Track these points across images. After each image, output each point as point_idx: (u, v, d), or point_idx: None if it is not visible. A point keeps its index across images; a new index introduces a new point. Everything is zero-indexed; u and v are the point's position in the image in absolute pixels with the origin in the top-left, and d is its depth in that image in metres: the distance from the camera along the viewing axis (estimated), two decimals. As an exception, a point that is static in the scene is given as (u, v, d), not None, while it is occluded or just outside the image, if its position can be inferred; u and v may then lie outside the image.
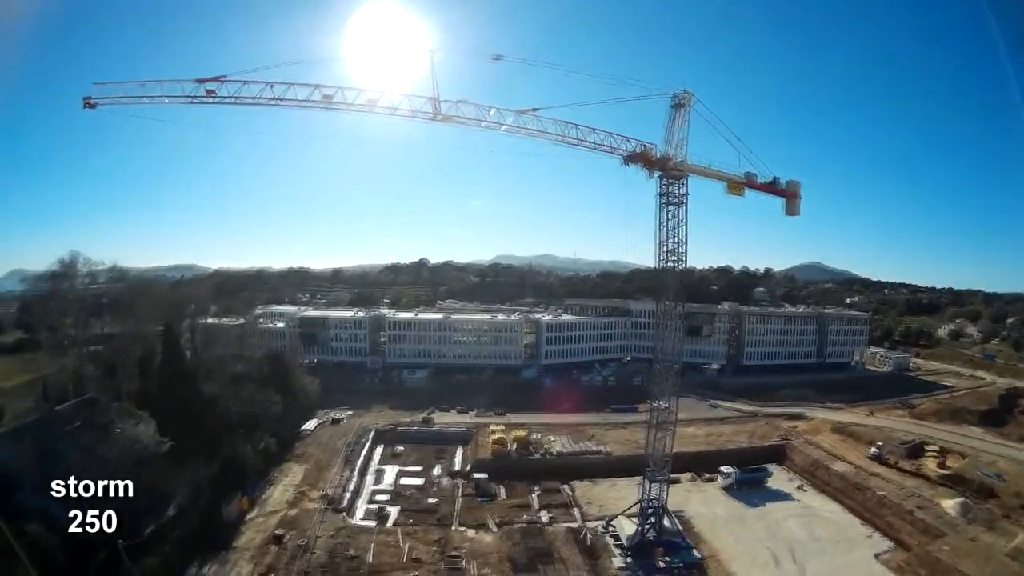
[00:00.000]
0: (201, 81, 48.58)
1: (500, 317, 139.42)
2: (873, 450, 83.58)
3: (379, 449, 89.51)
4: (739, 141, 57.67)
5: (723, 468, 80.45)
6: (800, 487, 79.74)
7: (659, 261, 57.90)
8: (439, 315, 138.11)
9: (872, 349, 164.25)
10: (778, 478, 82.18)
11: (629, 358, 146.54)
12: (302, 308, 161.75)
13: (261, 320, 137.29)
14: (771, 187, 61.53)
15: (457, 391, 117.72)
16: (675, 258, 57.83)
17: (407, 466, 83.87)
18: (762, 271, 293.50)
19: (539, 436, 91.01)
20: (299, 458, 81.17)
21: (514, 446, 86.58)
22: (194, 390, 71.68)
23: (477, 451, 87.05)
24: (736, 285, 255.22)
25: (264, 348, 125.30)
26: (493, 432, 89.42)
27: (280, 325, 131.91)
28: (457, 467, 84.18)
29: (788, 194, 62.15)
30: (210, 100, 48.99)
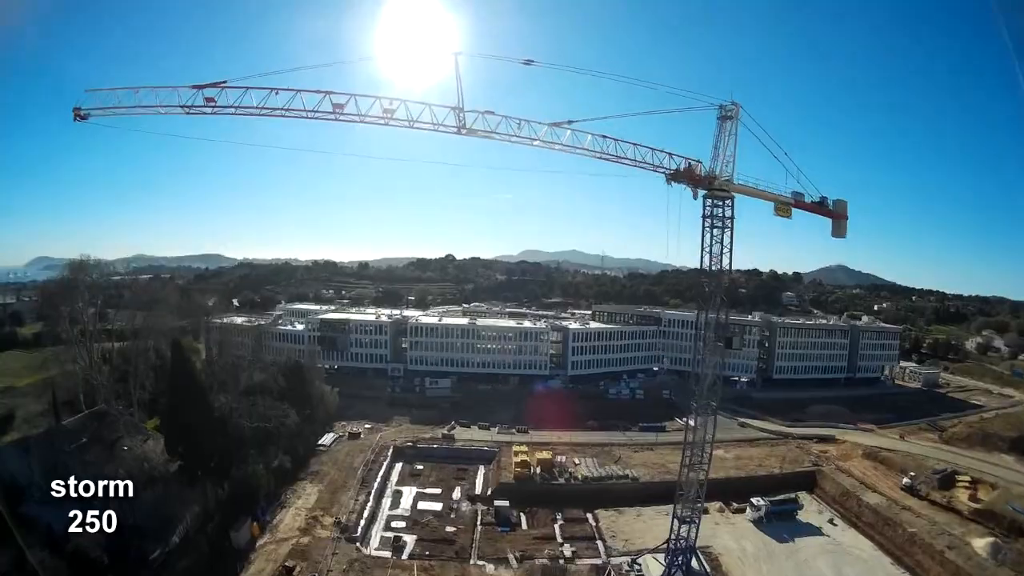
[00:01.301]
0: (199, 87, 44.20)
1: (526, 324, 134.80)
2: (906, 481, 79.95)
3: (398, 467, 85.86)
4: (786, 156, 52.65)
5: (754, 500, 76.37)
6: (831, 520, 75.94)
7: (706, 288, 52.96)
8: (463, 321, 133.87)
9: (902, 364, 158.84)
10: (808, 509, 78.44)
11: (657, 368, 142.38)
12: (324, 308, 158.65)
13: (280, 321, 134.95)
14: (820, 208, 56.90)
15: (480, 402, 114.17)
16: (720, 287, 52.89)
17: (426, 487, 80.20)
18: (791, 275, 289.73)
19: (563, 459, 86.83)
20: (314, 477, 77.82)
21: (538, 469, 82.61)
22: (205, 407, 68.47)
23: (500, 473, 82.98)
24: (766, 288, 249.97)
25: (282, 352, 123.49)
26: (517, 454, 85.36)
27: (299, 327, 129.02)
28: (478, 490, 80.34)
29: (836, 215, 57.46)
30: (209, 109, 44.69)
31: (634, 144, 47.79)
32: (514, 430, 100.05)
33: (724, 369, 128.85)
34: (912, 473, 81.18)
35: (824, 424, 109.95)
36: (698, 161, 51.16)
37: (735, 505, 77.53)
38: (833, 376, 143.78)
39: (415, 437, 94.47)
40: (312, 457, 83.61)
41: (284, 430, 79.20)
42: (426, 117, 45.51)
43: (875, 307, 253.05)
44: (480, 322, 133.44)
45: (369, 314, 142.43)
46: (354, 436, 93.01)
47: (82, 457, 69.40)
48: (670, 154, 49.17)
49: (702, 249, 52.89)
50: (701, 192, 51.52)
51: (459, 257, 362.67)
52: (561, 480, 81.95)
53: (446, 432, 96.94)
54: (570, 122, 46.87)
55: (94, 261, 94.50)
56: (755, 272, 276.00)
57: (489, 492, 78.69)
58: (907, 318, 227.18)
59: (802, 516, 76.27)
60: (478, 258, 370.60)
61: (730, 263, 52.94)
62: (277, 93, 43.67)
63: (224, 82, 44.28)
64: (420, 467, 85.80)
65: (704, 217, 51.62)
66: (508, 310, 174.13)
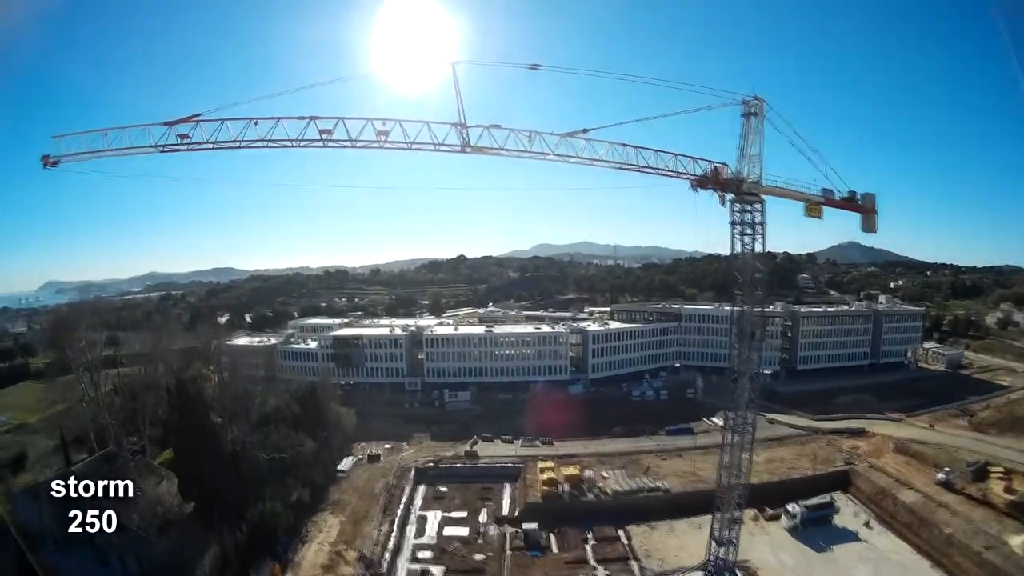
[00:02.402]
0: (171, 124, 40.73)
1: (544, 329, 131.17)
2: (941, 476, 77.34)
3: (420, 490, 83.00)
4: (815, 152, 48.88)
5: (789, 507, 73.74)
6: (867, 523, 73.69)
7: (738, 302, 49.41)
8: (480, 329, 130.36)
9: (925, 345, 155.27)
10: (844, 511, 76.29)
11: (679, 364, 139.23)
12: (336, 321, 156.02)
13: (293, 340, 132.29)
14: (850, 203, 53.33)
15: (501, 412, 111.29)
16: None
17: (451, 511, 77.40)
18: (804, 256, 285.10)
19: (591, 473, 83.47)
20: (334, 507, 74.92)
21: (566, 486, 79.56)
22: (216, 447, 65.95)
23: (526, 492, 79.93)
24: (781, 271, 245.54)
25: (295, 371, 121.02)
26: (543, 470, 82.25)
27: (312, 345, 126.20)
28: (505, 511, 77.48)
29: (866, 210, 53.95)
30: (184, 146, 41.27)
31: (655, 150, 44.08)
32: (538, 442, 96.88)
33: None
34: (947, 468, 78.53)
35: (852, 416, 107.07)
36: (723, 164, 47.53)
37: (769, 512, 74.96)
38: (857, 363, 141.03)
39: (437, 456, 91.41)
40: (331, 485, 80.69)
41: (301, 459, 76.45)
42: (425, 137, 41.86)
43: (891, 284, 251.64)
44: (497, 329, 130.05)
45: (383, 326, 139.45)
46: (374, 459, 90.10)
47: (94, 505, 67.34)
48: (694, 159, 45.59)
49: (732, 257, 49.35)
50: (728, 197, 47.85)
51: (470, 256, 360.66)
52: (590, 496, 78.98)
53: (468, 449, 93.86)
54: (585, 131, 43.21)
55: (104, 281, 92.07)
56: (769, 255, 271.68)
57: (517, 513, 75.81)
58: (924, 294, 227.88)
59: (838, 520, 74.43)
60: (490, 256, 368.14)
61: (765, 277, 49.29)
62: (256, 123, 40.14)
63: (198, 115, 40.73)
64: (444, 489, 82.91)
65: (733, 224, 48.08)
66: (524, 313, 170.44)
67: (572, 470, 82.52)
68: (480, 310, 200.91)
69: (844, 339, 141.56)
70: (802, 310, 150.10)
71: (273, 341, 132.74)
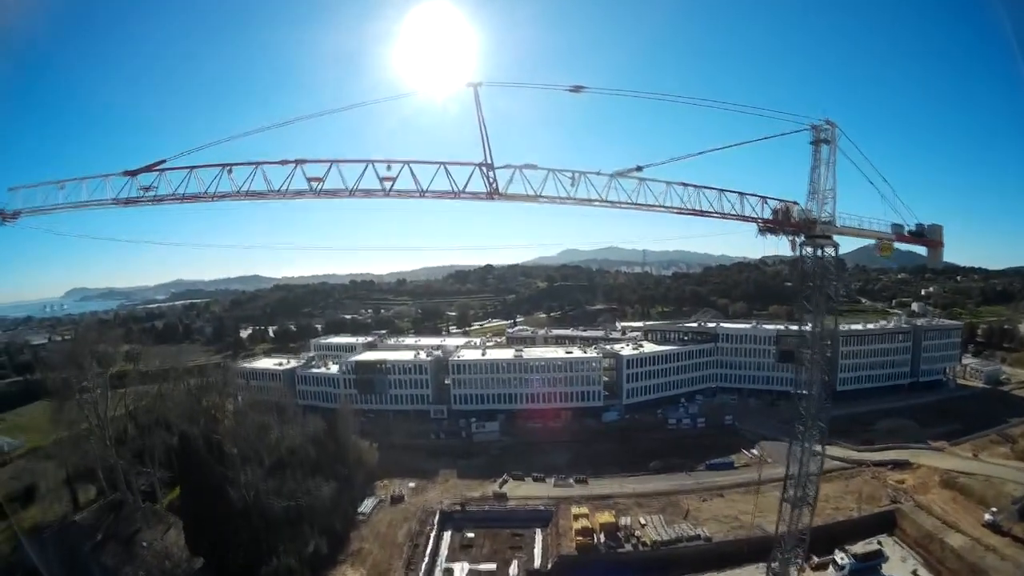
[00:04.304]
0: (132, 173, 35.20)
1: (576, 353, 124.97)
2: (988, 517, 73.18)
3: (446, 537, 77.24)
4: (884, 183, 42.95)
5: (837, 556, 68.85)
6: (914, 572, 68.31)
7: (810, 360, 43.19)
8: (509, 354, 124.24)
9: (963, 361, 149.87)
10: (892, 557, 70.88)
11: (714, 385, 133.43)
12: (359, 340, 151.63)
13: (314, 363, 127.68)
14: (919, 238, 48.23)
15: (532, 444, 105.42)
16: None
17: (479, 562, 71.49)
18: (833, 262, 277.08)
19: (628, 520, 77.13)
20: (354, 559, 69.79)
21: (602, 536, 73.42)
22: (225, 500, 61.26)
23: (559, 540, 73.95)
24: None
25: (314, 396, 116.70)
26: (577, 517, 76.22)
27: (333, 370, 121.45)
28: (537, 562, 71.38)
29: (934, 243, 48.85)
30: (147, 200, 35.64)
31: (720, 190, 37.69)
32: (571, 480, 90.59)
33: (785, 384, 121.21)
34: (993, 508, 74.30)
35: (895, 444, 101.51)
36: (793, 202, 41.19)
37: (815, 560, 68.80)
38: (897, 383, 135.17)
39: (464, 498, 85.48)
40: (351, 531, 75.62)
41: (318, 505, 71.66)
42: (441, 184, 35.05)
43: (922, 291, 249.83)
44: (527, 354, 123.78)
45: (407, 348, 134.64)
46: (397, 500, 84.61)
47: (98, 557, 63.74)
48: (763, 198, 39.01)
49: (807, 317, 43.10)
50: (799, 240, 41.53)
51: (497, 265, 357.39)
52: (627, 547, 72.72)
53: (497, 489, 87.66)
54: (639, 168, 36.86)
55: (129, 288, 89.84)
56: (799, 262, 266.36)
57: (549, 567, 69.87)
58: (955, 301, 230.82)
59: (887, 568, 69.00)
60: (517, 265, 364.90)
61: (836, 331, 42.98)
62: (231, 171, 34.29)
63: (161, 163, 35.33)
64: (471, 535, 77.01)
65: (806, 274, 41.55)
66: (554, 333, 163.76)
67: (608, 517, 76.54)
68: (508, 329, 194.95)
69: (884, 358, 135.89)
70: (844, 328, 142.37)
71: (293, 364, 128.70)
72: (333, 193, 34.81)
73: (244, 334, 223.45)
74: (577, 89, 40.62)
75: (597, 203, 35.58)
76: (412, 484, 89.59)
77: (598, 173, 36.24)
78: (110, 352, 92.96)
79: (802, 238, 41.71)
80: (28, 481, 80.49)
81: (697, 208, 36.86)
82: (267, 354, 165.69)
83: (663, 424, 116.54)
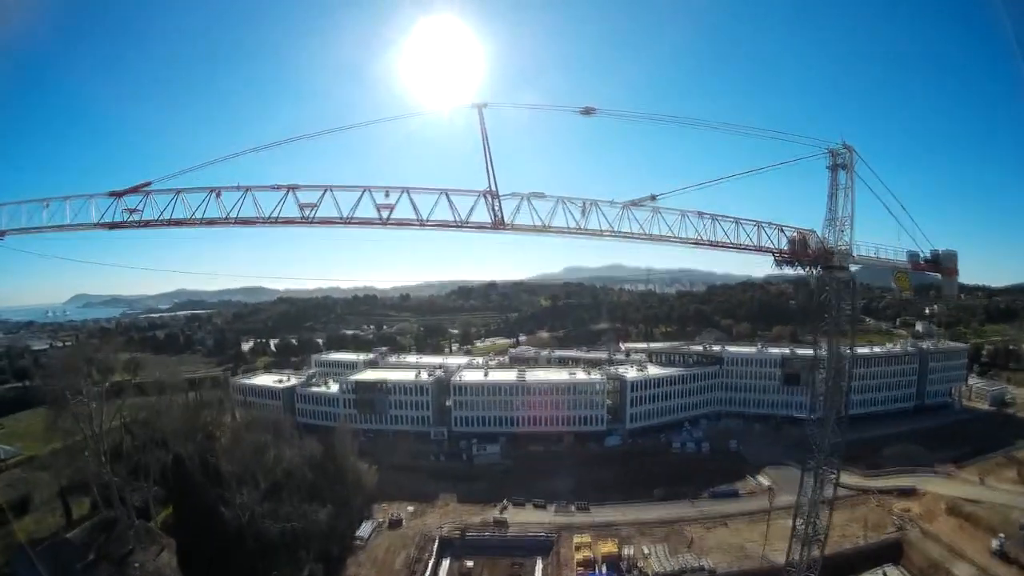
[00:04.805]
0: (117, 194, 34.01)
1: (579, 375, 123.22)
2: (995, 544, 72.69)
3: (445, 565, 75.51)
4: (902, 209, 41.85)
5: None
6: None
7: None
8: (511, 376, 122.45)
9: (969, 382, 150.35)
10: None
11: (719, 409, 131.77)
12: (361, 357, 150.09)
13: (314, 381, 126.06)
14: (934, 266, 47.10)
15: (533, 468, 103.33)
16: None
17: (478, 594, 69.68)
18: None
19: (631, 550, 75.25)
20: (351, 587, 67.96)
21: (603, 568, 71.49)
22: (220, 523, 59.63)
23: (560, 571, 72.23)
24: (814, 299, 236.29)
25: (313, 415, 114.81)
26: (578, 547, 74.45)
27: (333, 389, 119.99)
28: (537, 595, 69.53)
29: (948, 271, 47.78)
30: (132, 223, 34.26)
31: (736, 220, 36.37)
32: (573, 507, 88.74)
33: (791, 409, 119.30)
34: (1001, 535, 73.75)
35: (902, 470, 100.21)
36: (810, 231, 39.90)
37: None
38: (903, 406, 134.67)
39: (463, 523, 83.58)
40: (348, 556, 73.81)
41: (314, 529, 69.91)
42: (443, 213, 33.63)
43: (926, 310, 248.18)
44: (529, 376, 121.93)
45: (409, 367, 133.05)
46: (395, 524, 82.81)
47: (90, 576, 62.15)
48: (780, 228, 37.67)
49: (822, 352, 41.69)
50: (815, 272, 40.21)
51: (501, 281, 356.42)
52: (631, 580, 70.77)
53: (498, 515, 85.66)
54: (653, 197, 35.62)
55: (133, 297, 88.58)
56: (804, 283, 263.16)
57: (550, 601, 67.97)
58: (959, 319, 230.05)
59: None
60: (521, 282, 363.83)
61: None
62: (219, 195, 33.10)
63: (147, 184, 34.06)
64: (470, 564, 75.14)
65: (824, 307, 40.18)
66: (557, 354, 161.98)
67: (610, 546, 74.88)
68: (511, 348, 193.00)
69: (891, 380, 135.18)
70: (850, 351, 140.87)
71: (292, 381, 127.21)
72: (327, 221, 33.43)
73: (245, 347, 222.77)
74: (588, 112, 39.70)
75: (608, 235, 34.22)
76: (411, 508, 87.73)
77: (611, 203, 34.96)
78: (110, 360, 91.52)
79: (819, 270, 40.31)
80: (23, 491, 79.72)
81: (713, 240, 35.57)
82: (268, 368, 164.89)
83: (667, 448, 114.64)
